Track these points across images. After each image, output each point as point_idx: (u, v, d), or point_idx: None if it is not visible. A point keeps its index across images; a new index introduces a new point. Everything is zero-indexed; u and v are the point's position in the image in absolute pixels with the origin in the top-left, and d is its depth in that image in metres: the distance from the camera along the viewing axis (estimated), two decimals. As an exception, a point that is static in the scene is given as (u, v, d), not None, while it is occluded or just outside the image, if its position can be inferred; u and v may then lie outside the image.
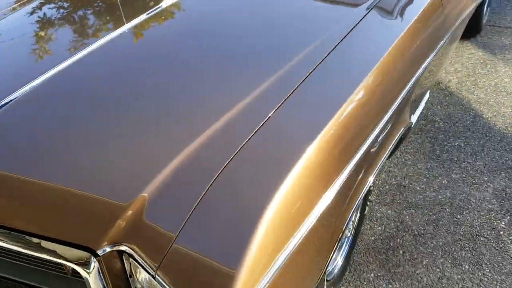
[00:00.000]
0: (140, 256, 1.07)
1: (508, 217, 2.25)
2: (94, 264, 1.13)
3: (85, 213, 1.16)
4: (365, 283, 1.97)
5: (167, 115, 1.34)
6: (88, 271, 1.13)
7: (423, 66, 1.81)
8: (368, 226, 2.23)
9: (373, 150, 1.48)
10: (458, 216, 2.28)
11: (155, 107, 1.37)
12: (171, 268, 1.04)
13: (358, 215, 1.96)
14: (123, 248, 1.10)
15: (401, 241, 2.15)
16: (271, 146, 1.22)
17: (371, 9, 1.81)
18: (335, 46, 1.56)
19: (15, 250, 1.20)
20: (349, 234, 1.92)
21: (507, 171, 2.51)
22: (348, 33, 1.64)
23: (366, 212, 2.00)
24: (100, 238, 1.11)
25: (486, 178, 2.47)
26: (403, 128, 1.76)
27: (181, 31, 1.76)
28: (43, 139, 1.33)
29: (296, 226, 1.14)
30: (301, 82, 1.39)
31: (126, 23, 1.80)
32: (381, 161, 1.57)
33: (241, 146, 1.19)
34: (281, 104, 1.31)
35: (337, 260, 1.89)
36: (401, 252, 2.11)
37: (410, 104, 1.83)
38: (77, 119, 1.37)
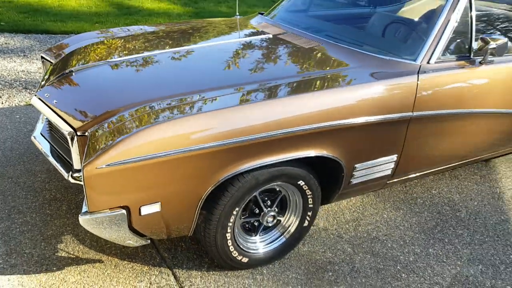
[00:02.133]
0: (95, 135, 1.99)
1: (447, 293, 2.41)
2: (76, 141, 2.07)
3: (91, 107, 2.14)
4: (282, 276, 2.45)
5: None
6: (72, 143, 2.09)
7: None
8: (323, 250, 2.67)
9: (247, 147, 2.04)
10: (403, 275, 2.53)
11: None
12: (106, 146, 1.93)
13: (297, 222, 2.48)
14: (86, 133, 2.03)
15: (337, 268, 2.54)
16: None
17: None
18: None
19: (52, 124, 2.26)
20: (277, 233, 2.47)
21: (486, 266, 2.60)
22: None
23: (305, 224, 2.49)
24: (82, 125, 2.06)
25: (459, 263, 2.63)
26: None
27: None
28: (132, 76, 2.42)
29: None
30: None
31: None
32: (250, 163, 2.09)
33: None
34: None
35: (258, 246, 2.44)
36: (330, 273, 2.50)
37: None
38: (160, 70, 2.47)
